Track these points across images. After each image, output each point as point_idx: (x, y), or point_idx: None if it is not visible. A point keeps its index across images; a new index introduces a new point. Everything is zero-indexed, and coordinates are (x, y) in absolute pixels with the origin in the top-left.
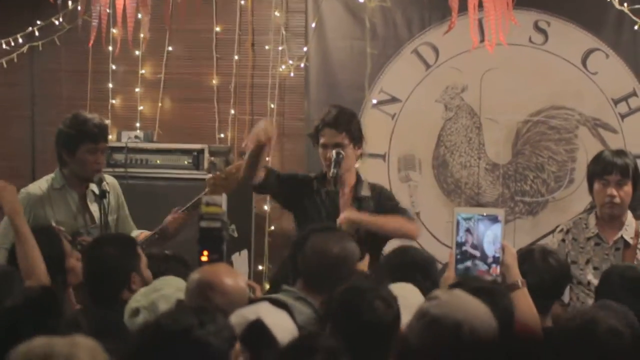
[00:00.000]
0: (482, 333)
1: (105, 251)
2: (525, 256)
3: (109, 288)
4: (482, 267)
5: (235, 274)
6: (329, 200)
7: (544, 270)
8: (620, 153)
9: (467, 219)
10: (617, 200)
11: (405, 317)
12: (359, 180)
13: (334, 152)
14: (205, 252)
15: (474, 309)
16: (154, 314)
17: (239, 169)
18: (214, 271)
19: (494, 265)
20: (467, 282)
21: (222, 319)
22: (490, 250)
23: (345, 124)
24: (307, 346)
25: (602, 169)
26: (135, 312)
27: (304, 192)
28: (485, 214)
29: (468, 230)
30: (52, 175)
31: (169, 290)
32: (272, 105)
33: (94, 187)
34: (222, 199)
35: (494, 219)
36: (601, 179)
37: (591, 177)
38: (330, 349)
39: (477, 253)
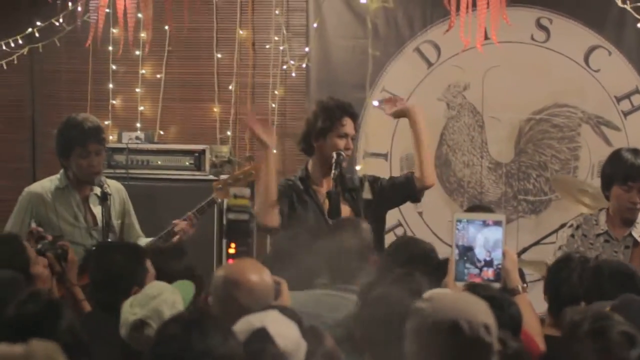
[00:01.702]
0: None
1: (112, 258)
2: (563, 264)
3: (112, 294)
4: (473, 270)
5: (260, 269)
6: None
7: (579, 286)
8: (638, 153)
9: (468, 224)
10: (639, 206)
11: None
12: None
13: (334, 153)
14: (233, 245)
15: (461, 302)
16: (162, 321)
17: (245, 173)
18: (239, 268)
19: (485, 269)
20: (474, 290)
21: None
22: (482, 254)
23: (357, 118)
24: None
25: (625, 174)
26: (140, 324)
27: (294, 199)
28: (485, 220)
29: (468, 235)
30: (57, 175)
31: (166, 294)
32: (273, 105)
33: (97, 189)
34: (249, 192)
35: (495, 224)
36: (624, 185)
37: (610, 178)
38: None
39: (473, 257)
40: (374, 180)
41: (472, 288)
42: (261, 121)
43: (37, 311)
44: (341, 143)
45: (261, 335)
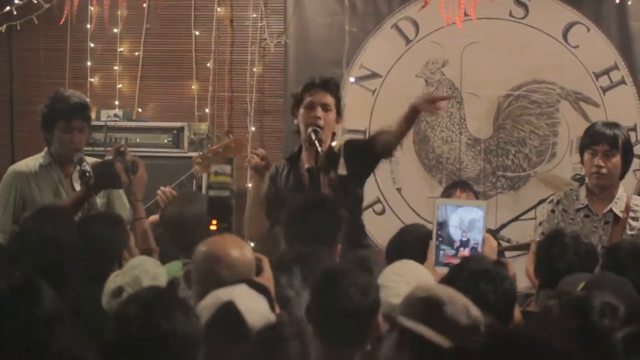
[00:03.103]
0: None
1: (95, 228)
2: (556, 240)
3: (100, 265)
4: (450, 251)
5: (242, 245)
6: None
7: (574, 262)
8: (612, 125)
9: (448, 210)
10: (604, 171)
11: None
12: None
13: (309, 129)
14: (214, 221)
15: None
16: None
17: (224, 147)
18: (220, 243)
19: (461, 249)
20: (468, 264)
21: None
22: (457, 234)
23: (335, 89)
24: (278, 335)
25: (590, 139)
26: (118, 291)
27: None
28: (466, 205)
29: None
30: (42, 153)
31: (148, 265)
32: (252, 82)
33: (85, 167)
34: (230, 169)
35: (475, 209)
36: (589, 149)
37: (582, 147)
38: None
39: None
40: (349, 153)
41: (466, 262)
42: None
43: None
44: (308, 112)
45: (229, 309)
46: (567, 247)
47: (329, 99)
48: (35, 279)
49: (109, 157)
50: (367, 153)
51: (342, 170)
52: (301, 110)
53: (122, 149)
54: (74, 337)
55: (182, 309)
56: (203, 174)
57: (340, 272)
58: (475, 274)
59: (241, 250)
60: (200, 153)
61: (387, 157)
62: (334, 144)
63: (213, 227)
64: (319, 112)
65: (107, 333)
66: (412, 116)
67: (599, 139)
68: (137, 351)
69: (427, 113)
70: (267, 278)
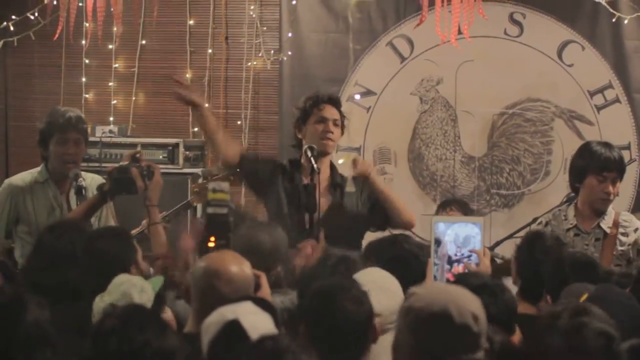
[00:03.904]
0: (469, 307)
1: (102, 243)
2: (536, 236)
3: (108, 280)
4: (445, 267)
5: (241, 261)
6: (305, 190)
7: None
8: (610, 147)
9: (444, 226)
10: (612, 197)
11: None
12: (333, 167)
13: (306, 148)
14: (212, 238)
15: (453, 292)
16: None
17: (222, 179)
18: (219, 259)
19: (455, 265)
20: (466, 280)
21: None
22: (452, 249)
23: (340, 105)
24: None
25: (601, 165)
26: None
27: (279, 179)
28: (463, 222)
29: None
30: (38, 168)
31: (134, 280)
32: (246, 99)
33: (81, 183)
34: (228, 186)
35: (472, 226)
36: (599, 175)
37: (583, 170)
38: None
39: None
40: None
41: (463, 277)
42: (184, 86)
43: (2, 304)
44: (319, 127)
45: (234, 327)
46: (547, 246)
47: (338, 115)
48: (24, 298)
49: (123, 163)
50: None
51: (350, 187)
52: (310, 125)
53: (137, 154)
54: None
55: (157, 324)
56: (200, 203)
57: (332, 288)
58: (475, 289)
59: (240, 266)
60: (199, 182)
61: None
62: (340, 161)
63: (211, 244)
64: (331, 126)
65: (85, 349)
66: (371, 184)
67: (611, 166)
68: None
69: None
70: (265, 294)
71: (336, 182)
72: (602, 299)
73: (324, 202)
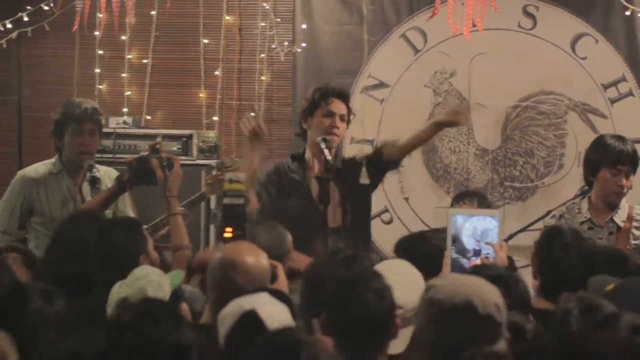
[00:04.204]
0: (492, 298)
1: (113, 233)
2: (555, 234)
3: (118, 270)
4: (463, 261)
5: (257, 252)
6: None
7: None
8: (623, 140)
9: (461, 219)
10: (626, 190)
11: (399, 291)
12: (337, 156)
13: (320, 138)
14: (229, 229)
15: (474, 283)
16: None
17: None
18: (236, 250)
19: (473, 258)
20: (480, 271)
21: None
22: (471, 243)
23: (348, 99)
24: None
25: (615, 158)
26: (123, 302)
27: (287, 181)
28: (480, 215)
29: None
30: (52, 160)
31: (152, 275)
32: (260, 91)
33: (95, 174)
34: (244, 176)
35: (489, 219)
36: (613, 169)
37: (597, 163)
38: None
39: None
40: (368, 163)
41: (478, 269)
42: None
43: (6, 295)
44: (326, 121)
45: (251, 318)
46: (566, 240)
47: (345, 110)
48: (26, 288)
49: (143, 154)
50: (376, 165)
51: (364, 179)
52: (317, 117)
53: (157, 145)
54: (62, 348)
55: (173, 319)
56: (214, 194)
57: (355, 279)
58: (489, 280)
59: (256, 257)
60: (213, 174)
61: (392, 169)
62: (353, 155)
63: (227, 235)
64: (338, 121)
65: (101, 341)
66: (434, 131)
67: (624, 160)
68: (128, 358)
69: (458, 123)
70: (281, 285)
71: (327, 169)
72: (628, 291)
73: (334, 194)
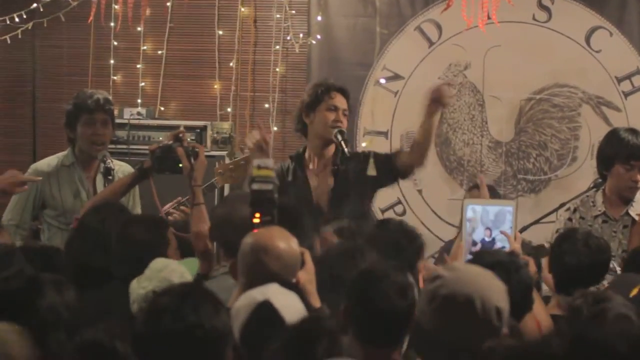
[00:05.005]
0: (494, 301)
1: (134, 232)
2: (567, 235)
3: (135, 269)
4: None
5: (288, 237)
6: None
7: (584, 254)
8: (637, 133)
9: (476, 210)
10: None
11: None
12: (336, 151)
13: (337, 131)
14: (258, 214)
15: (480, 280)
16: None
17: (247, 160)
18: (267, 235)
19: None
20: (482, 257)
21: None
22: (480, 234)
23: (349, 95)
24: (311, 330)
25: (628, 153)
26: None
27: (285, 183)
28: (495, 205)
29: (475, 220)
30: (65, 152)
31: (173, 266)
32: (274, 82)
33: (109, 164)
34: (271, 162)
35: (505, 209)
36: (626, 164)
37: (610, 158)
38: (333, 332)
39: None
40: (376, 156)
41: (479, 256)
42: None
43: (19, 288)
44: (330, 115)
45: (266, 308)
46: (577, 241)
47: (346, 105)
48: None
49: (167, 142)
50: (389, 169)
51: (372, 171)
52: (321, 112)
53: (180, 134)
54: (80, 339)
55: (212, 304)
56: (224, 184)
57: (378, 273)
58: (489, 266)
59: (288, 242)
60: (222, 163)
61: (405, 178)
62: (364, 144)
63: (256, 220)
64: (341, 116)
65: (138, 326)
66: (429, 118)
67: (638, 154)
68: (165, 343)
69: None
70: (309, 270)
71: (337, 163)
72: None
73: (329, 182)
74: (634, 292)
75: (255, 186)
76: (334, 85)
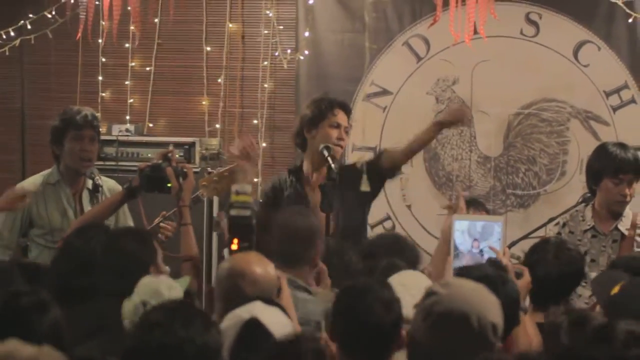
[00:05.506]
0: (490, 317)
1: (123, 244)
2: (539, 246)
3: (127, 280)
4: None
5: (265, 262)
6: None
7: (553, 265)
8: (625, 148)
9: (464, 225)
10: (629, 198)
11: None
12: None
13: (323, 147)
14: (236, 240)
15: (476, 296)
16: (161, 300)
17: (231, 171)
18: (244, 260)
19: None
20: (468, 272)
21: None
22: (467, 245)
23: (350, 111)
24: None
25: (617, 167)
26: (142, 306)
27: (283, 196)
28: (483, 221)
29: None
30: (49, 170)
31: (162, 278)
32: (263, 98)
33: (90, 183)
34: (250, 188)
35: (492, 226)
36: (615, 178)
37: (599, 172)
38: (318, 352)
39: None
40: (369, 171)
41: (464, 270)
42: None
43: (25, 306)
44: (334, 133)
45: (253, 325)
46: (548, 252)
47: (347, 122)
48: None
49: (156, 161)
50: (380, 179)
51: (365, 187)
52: (324, 128)
53: (169, 154)
54: (75, 355)
55: (202, 320)
56: (209, 196)
57: (363, 288)
58: (475, 280)
59: (265, 267)
60: (206, 176)
61: (391, 177)
62: (354, 161)
63: (234, 247)
64: (343, 133)
65: (129, 340)
66: (435, 131)
67: (626, 169)
68: (156, 358)
69: (459, 123)
70: (285, 297)
71: (331, 177)
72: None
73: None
74: (616, 289)
75: (233, 212)
76: (336, 101)
